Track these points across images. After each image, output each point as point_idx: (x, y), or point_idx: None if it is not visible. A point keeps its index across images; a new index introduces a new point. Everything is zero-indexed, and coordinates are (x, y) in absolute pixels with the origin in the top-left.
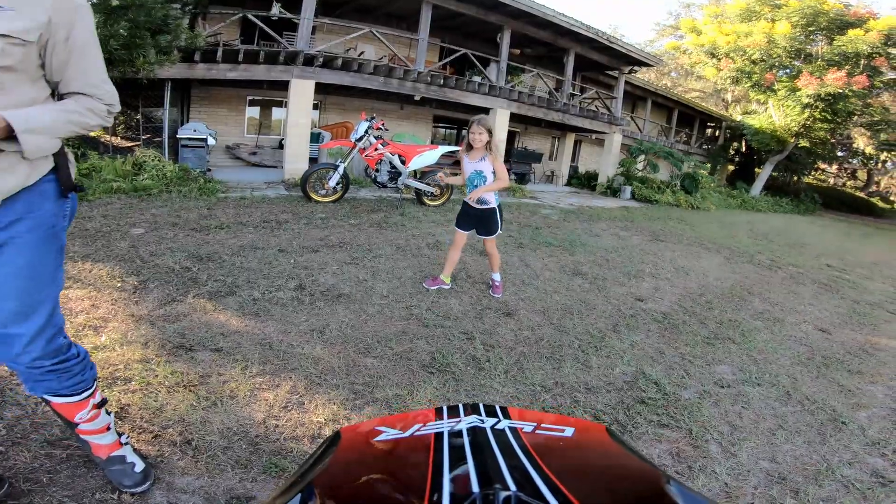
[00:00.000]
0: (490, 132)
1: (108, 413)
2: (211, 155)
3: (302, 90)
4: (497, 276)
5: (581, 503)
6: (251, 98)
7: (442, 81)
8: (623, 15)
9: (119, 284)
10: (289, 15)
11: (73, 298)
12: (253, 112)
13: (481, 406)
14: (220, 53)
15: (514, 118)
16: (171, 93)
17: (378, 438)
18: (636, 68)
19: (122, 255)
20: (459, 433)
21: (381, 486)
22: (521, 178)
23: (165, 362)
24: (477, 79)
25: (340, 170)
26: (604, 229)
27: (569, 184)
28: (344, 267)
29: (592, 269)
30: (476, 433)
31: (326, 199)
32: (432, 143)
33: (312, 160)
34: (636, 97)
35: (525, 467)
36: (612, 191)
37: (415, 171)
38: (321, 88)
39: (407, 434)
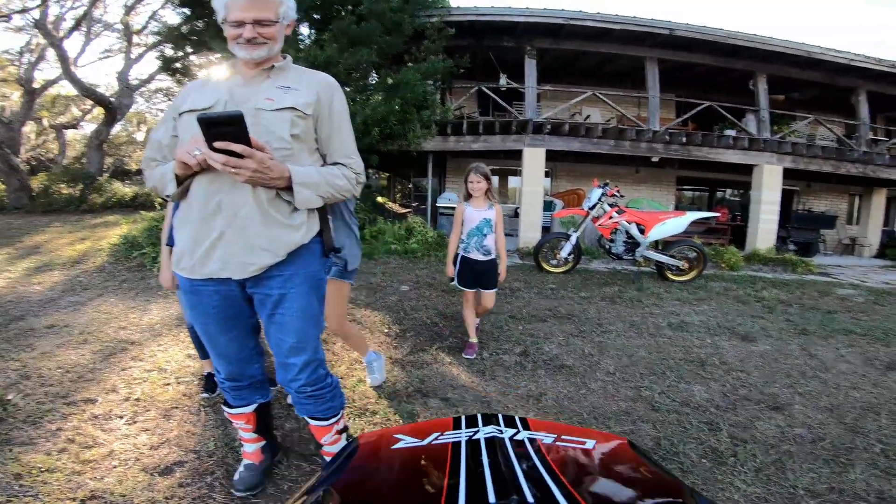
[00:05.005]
0: (488, 178)
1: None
2: None
3: (533, 158)
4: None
5: None
6: (491, 168)
7: (684, 139)
8: None
9: (386, 330)
10: (515, 84)
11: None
12: (493, 181)
13: (500, 416)
14: (465, 126)
15: (790, 174)
16: (432, 164)
17: (396, 446)
18: None
19: (391, 306)
20: (477, 443)
21: (396, 493)
22: (805, 249)
23: (405, 402)
24: (730, 132)
25: (573, 240)
26: None
27: (881, 255)
28: (570, 339)
29: None
30: (494, 443)
31: (558, 270)
32: (677, 208)
33: (545, 229)
34: None
35: (543, 479)
36: None
37: (656, 241)
38: (551, 155)
39: (424, 443)
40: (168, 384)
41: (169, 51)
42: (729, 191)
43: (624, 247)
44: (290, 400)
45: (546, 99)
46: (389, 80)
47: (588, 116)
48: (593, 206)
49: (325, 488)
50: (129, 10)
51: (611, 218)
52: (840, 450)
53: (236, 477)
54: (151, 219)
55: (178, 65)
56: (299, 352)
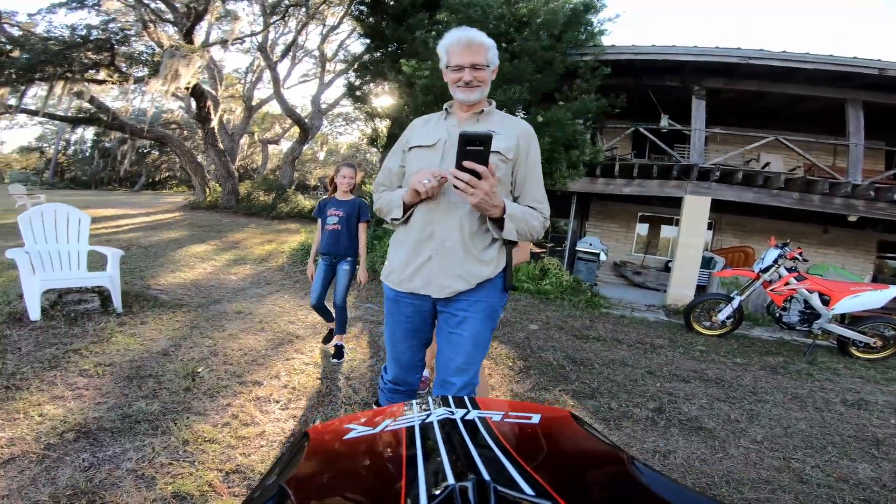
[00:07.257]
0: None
1: None
2: (600, 270)
3: (695, 207)
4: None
5: (553, 487)
6: (641, 214)
7: (895, 196)
8: None
9: (510, 364)
10: (678, 126)
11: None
12: (642, 229)
13: (450, 398)
14: (616, 168)
15: None
16: (575, 206)
17: (348, 436)
18: None
19: (518, 342)
20: (431, 425)
21: (354, 483)
22: None
23: None
24: None
25: (735, 303)
26: None
27: None
28: (714, 402)
29: None
30: (447, 424)
31: (711, 332)
32: (875, 280)
33: (700, 287)
34: None
35: (497, 456)
36: None
37: (842, 314)
38: (716, 206)
39: (377, 430)
40: (319, 379)
41: (353, 78)
42: None
43: (799, 316)
44: None
45: (715, 143)
46: (539, 118)
47: (767, 164)
48: (766, 269)
49: (277, 487)
50: (323, 38)
51: (787, 284)
52: None
53: None
54: None
55: (358, 92)
56: (463, 373)
